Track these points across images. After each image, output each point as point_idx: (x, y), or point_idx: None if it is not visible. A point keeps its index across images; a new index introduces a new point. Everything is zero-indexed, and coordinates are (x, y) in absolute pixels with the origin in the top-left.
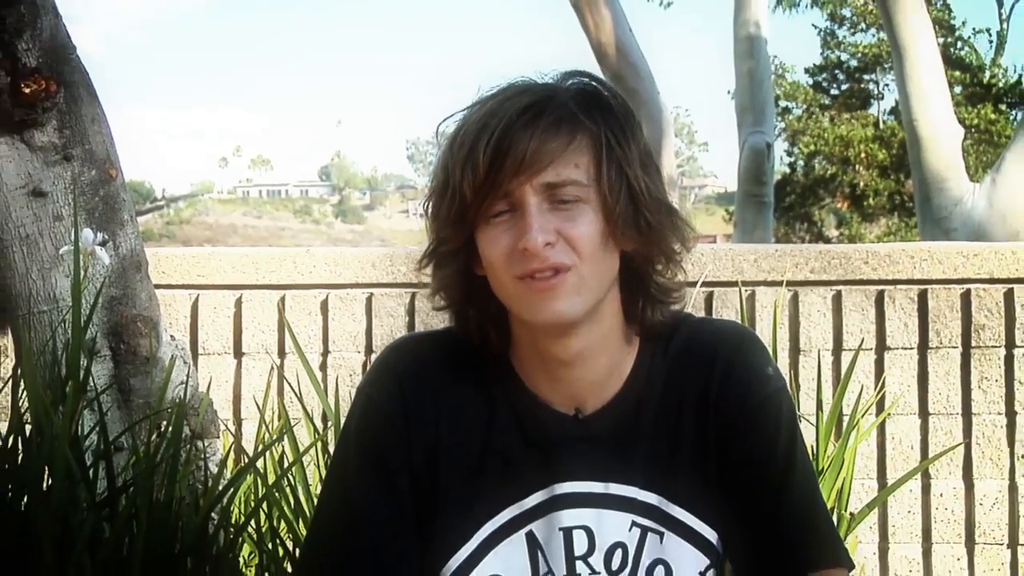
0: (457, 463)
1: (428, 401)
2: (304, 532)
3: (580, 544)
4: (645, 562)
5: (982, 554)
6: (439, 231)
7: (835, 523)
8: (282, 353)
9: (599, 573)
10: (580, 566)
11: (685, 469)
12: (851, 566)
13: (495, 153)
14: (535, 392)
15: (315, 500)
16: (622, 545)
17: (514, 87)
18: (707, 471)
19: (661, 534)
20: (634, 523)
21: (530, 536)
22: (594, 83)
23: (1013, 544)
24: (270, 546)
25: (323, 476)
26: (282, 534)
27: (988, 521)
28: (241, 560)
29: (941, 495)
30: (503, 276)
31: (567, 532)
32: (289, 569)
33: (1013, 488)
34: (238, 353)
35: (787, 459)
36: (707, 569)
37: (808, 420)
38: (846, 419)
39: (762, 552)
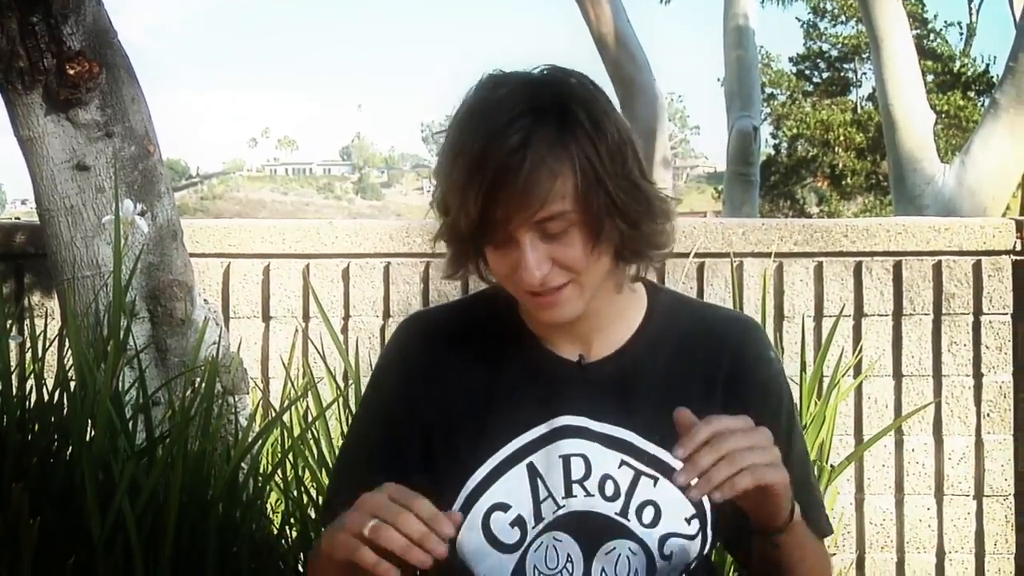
0: (466, 412)
1: (438, 364)
2: (327, 482)
3: (577, 469)
4: (636, 501)
5: (950, 504)
6: (446, 231)
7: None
8: (306, 317)
9: (593, 495)
10: (576, 488)
11: None
12: (829, 533)
13: (487, 200)
14: (541, 339)
15: (337, 452)
16: (612, 478)
17: (499, 108)
18: None
19: (655, 479)
20: (624, 462)
21: (530, 467)
22: (564, 90)
23: (979, 495)
24: (295, 494)
25: (345, 430)
26: (306, 483)
27: (956, 474)
28: (268, 506)
29: (913, 450)
30: (508, 285)
31: (566, 459)
32: (313, 515)
33: (979, 444)
34: (266, 317)
35: (787, 434)
36: (692, 517)
37: (792, 381)
38: (827, 380)
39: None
